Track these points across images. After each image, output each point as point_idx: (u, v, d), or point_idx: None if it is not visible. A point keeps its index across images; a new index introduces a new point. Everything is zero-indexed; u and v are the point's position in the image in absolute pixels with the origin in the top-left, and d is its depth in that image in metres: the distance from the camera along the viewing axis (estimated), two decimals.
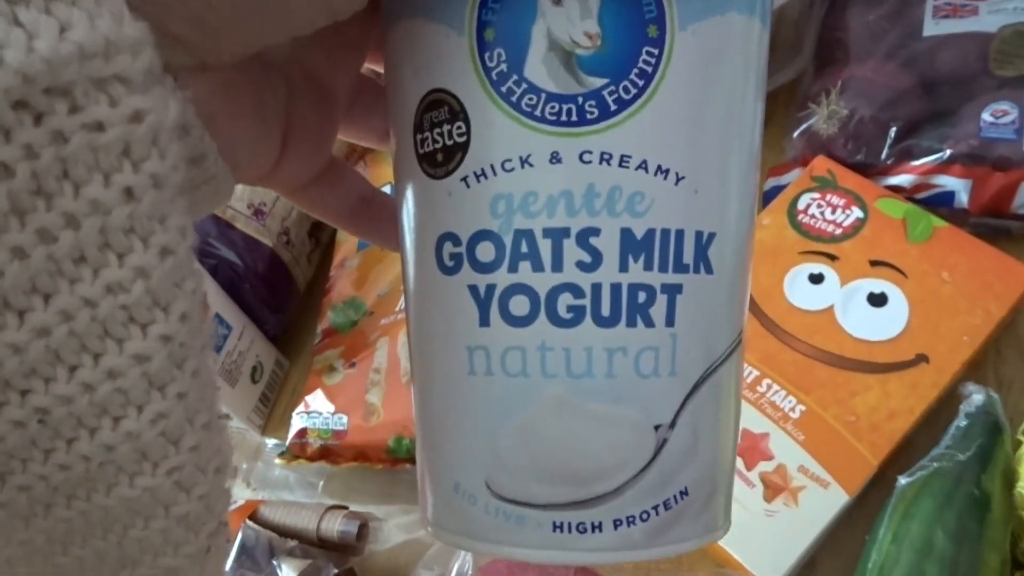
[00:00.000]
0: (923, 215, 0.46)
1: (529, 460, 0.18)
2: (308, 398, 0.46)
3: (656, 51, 0.16)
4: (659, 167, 0.17)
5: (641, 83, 0.16)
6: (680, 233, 0.17)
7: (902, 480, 0.38)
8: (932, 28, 0.50)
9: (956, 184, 0.46)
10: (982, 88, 0.47)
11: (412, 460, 0.44)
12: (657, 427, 0.18)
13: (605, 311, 0.17)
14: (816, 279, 0.45)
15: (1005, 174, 0.45)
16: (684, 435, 0.18)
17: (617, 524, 0.18)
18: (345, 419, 0.44)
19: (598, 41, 0.16)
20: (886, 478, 0.40)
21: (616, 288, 0.17)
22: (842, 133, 0.49)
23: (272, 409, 0.52)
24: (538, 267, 0.17)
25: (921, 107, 0.48)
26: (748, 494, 0.39)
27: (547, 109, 0.16)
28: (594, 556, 0.18)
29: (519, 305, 0.17)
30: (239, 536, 0.42)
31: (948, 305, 0.42)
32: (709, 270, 0.18)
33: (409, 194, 0.19)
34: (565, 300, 0.17)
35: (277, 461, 0.47)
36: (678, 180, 0.17)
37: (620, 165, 0.16)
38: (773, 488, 0.39)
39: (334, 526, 0.43)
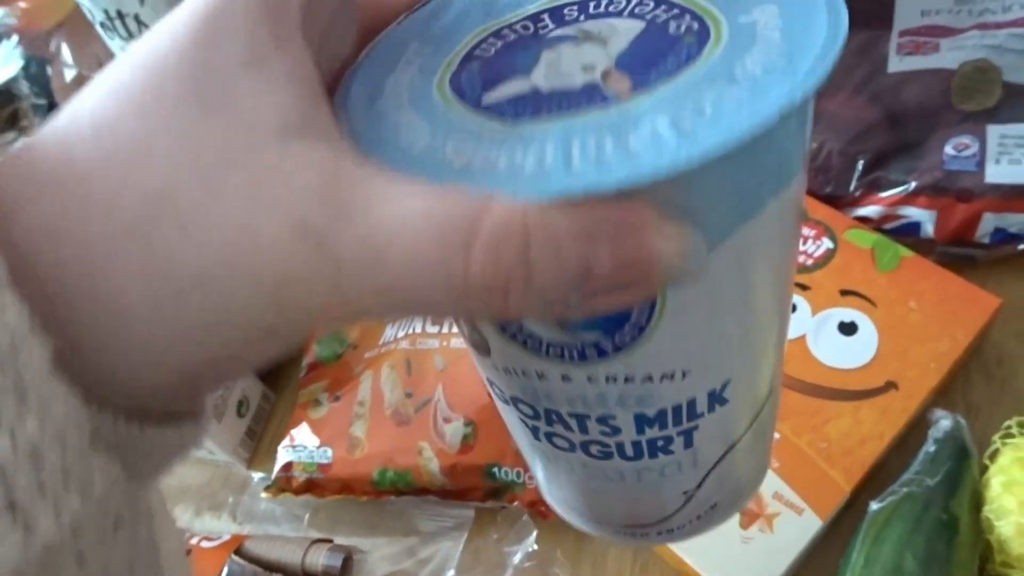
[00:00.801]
0: (890, 245, 0.47)
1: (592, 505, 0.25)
2: (294, 431, 0.47)
3: (648, 305, 0.17)
4: (663, 375, 0.19)
5: (636, 332, 0.17)
6: (692, 400, 0.20)
7: (873, 505, 0.39)
8: (897, 64, 0.51)
9: (922, 215, 0.48)
10: (945, 122, 0.49)
11: (396, 491, 0.45)
12: (685, 492, 0.23)
13: (629, 454, 0.21)
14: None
15: (968, 205, 0.47)
16: (709, 487, 0.23)
17: (660, 533, 0.25)
18: (330, 452, 0.45)
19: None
20: (859, 503, 0.41)
21: (637, 443, 0.21)
22: (812, 166, 0.50)
23: (258, 443, 0.53)
24: (569, 430, 0.21)
25: (887, 140, 0.50)
26: None
27: (550, 350, 0.18)
28: (644, 543, 0.30)
29: (559, 441, 0.22)
30: (225, 571, 0.43)
31: (916, 333, 0.44)
32: (725, 403, 0.20)
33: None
34: (595, 448, 0.21)
35: (263, 494, 0.48)
36: (685, 375, 0.19)
37: (625, 382, 0.19)
38: (749, 515, 0.40)
39: (319, 560, 0.43)
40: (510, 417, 0.23)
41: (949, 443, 0.40)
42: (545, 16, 0.19)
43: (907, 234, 0.49)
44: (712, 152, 0.14)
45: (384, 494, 0.45)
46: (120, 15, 0.59)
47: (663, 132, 0.15)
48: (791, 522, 0.39)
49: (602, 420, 0.20)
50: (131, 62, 0.14)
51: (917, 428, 0.42)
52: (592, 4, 0.19)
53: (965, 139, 0.48)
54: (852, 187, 0.50)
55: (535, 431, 0.22)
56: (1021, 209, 0.46)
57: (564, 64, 0.18)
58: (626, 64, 0.17)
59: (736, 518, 0.40)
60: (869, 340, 0.44)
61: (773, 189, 0.17)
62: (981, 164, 0.47)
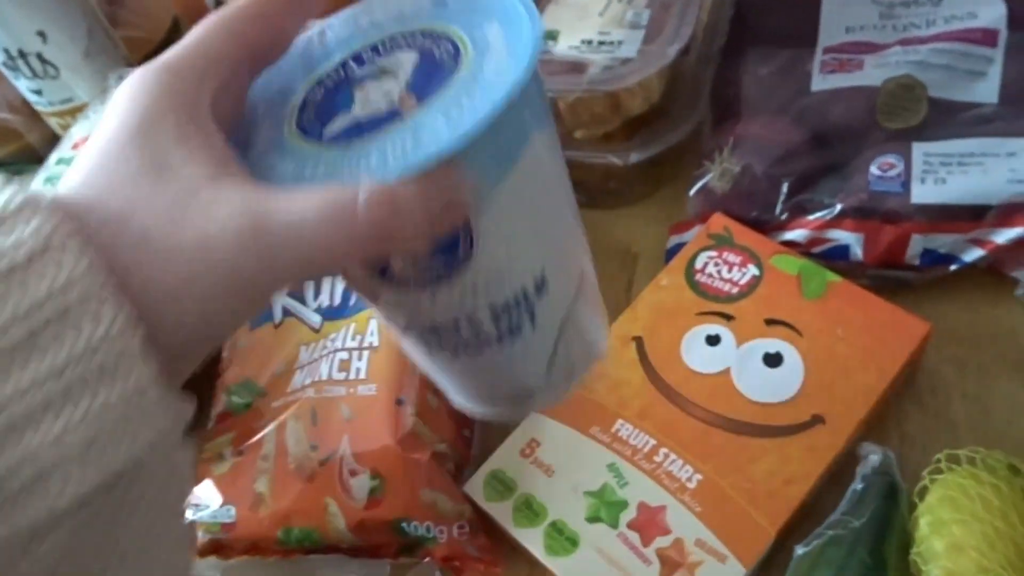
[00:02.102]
0: (817, 270, 0.45)
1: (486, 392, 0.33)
2: (196, 489, 0.44)
3: (467, 233, 0.26)
4: (496, 271, 0.27)
5: (468, 249, 0.26)
6: (524, 288, 0.28)
7: (799, 550, 0.37)
8: (820, 83, 0.50)
9: (849, 238, 0.46)
10: (871, 141, 0.47)
11: (303, 550, 0.42)
12: (548, 360, 0.31)
13: (493, 341, 0.29)
14: (713, 340, 0.44)
15: (895, 227, 0.45)
16: (562, 354, 0.31)
17: (543, 398, 0.32)
18: (233, 510, 0.42)
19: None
20: (788, 546, 0.38)
21: (498, 333, 0.29)
22: (736, 190, 0.49)
23: None
24: (448, 337, 0.29)
25: (812, 162, 0.48)
26: (644, 572, 0.38)
27: (417, 281, 0.27)
28: (533, 408, 0.38)
29: (446, 350, 0.30)
30: None
31: (842, 363, 0.42)
32: (547, 285, 0.29)
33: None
34: (470, 348, 0.29)
35: None
36: (511, 270, 0.28)
37: (473, 286, 0.27)
38: (670, 565, 0.38)
39: None
40: (408, 346, 0.31)
41: (878, 480, 0.38)
42: (350, 61, 0.28)
43: (836, 258, 0.47)
44: (469, 134, 0.22)
45: (292, 552, 0.43)
46: (22, 54, 0.57)
47: (440, 127, 0.23)
48: (714, 571, 0.37)
49: (469, 322, 0.28)
50: (99, 147, 0.22)
51: (847, 464, 0.40)
52: (380, 47, 0.28)
53: (890, 158, 0.46)
54: (778, 211, 0.48)
55: (427, 347, 0.30)
56: (949, 230, 0.44)
57: (372, 97, 0.26)
58: (414, 87, 0.26)
59: (656, 568, 0.38)
60: (795, 372, 0.42)
61: (519, 145, 0.25)
62: (907, 184, 0.45)
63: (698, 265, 0.47)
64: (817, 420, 0.40)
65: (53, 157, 0.55)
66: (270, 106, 0.28)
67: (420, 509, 0.40)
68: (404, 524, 0.40)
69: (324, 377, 0.44)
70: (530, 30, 0.26)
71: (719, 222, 0.48)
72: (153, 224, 0.21)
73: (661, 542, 0.38)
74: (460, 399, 0.33)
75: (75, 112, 0.61)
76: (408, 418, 0.42)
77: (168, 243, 0.21)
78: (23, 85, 0.60)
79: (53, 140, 0.61)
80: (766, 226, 0.48)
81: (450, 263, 0.26)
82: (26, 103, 0.63)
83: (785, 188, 0.47)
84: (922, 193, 0.44)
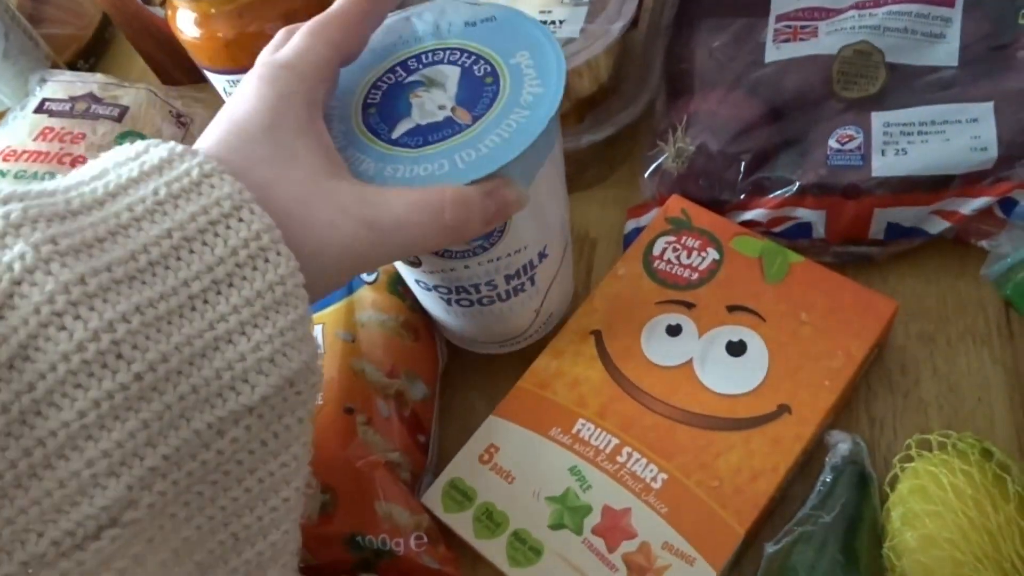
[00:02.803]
0: (779, 251, 0.43)
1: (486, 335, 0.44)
2: None
3: (503, 223, 0.35)
4: (515, 251, 0.37)
5: (498, 234, 0.36)
6: (531, 260, 0.39)
7: (768, 548, 0.35)
8: (774, 53, 0.48)
9: (811, 215, 0.44)
10: (828, 113, 0.45)
11: None
12: (535, 311, 0.42)
13: (504, 298, 0.40)
14: (674, 331, 0.42)
15: (856, 202, 0.43)
16: (546, 306, 0.43)
17: (527, 339, 0.44)
18: None
19: None
20: (759, 543, 0.37)
21: (507, 291, 0.39)
22: (692, 170, 0.47)
23: None
24: (469, 294, 0.39)
25: (770, 137, 0.46)
26: None
27: (457, 253, 0.36)
28: (518, 347, 0.45)
29: (464, 303, 0.40)
30: None
31: (808, 349, 0.40)
32: (546, 257, 0.39)
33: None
34: (485, 300, 0.40)
35: None
36: (525, 248, 0.38)
37: (498, 260, 0.37)
38: (637, 570, 0.36)
39: None
40: (429, 299, 0.41)
41: (848, 470, 0.37)
42: (397, 67, 0.36)
43: (799, 236, 0.45)
44: (524, 147, 0.31)
45: None
46: None
47: (496, 142, 0.32)
48: (683, 574, 0.36)
49: (488, 284, 0.38)
50: (231, 131, 0.28)
51: (817, 453, 0.39)
52: (423, 56, 0.36)
53: (849, 130, 0.44)
54: (736, 190, 0.46)
55: (448, 301, 0.40)
56: (912, 203, 0.43)
57: (427, 106, 0.34)
58: (462, 101, 0.33)
59: (623, 574, 0.36)
60: (759, 360, 0.40)
61: (545, 155, 0.35)
62: (866, 157, 0.43)
63: (656, 251, 0.45)
64: (783, 410, 0.39)
65: None
66: (332, 103, 0.35)
67: (374, 522, 0.38)
68: (359, 539, 0.39)
69: None
70: (555, 60, 0.34)
71: (676, 204, 0.47)
72: (289, 200, 0.26)
73: (627, 547, 0.37)
74: (462, 340, 0.45)
75: None
76: (359, 427, 0.40)
77: (304, 219, 0.27)
78: None
79: None
80: (725, 206, 0.47)
81: (485, 243, 0.36)
82: None
83: (743, 166, 0.46)
84: (883, 166, 0.43)
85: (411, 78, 0.35)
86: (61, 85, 0.53)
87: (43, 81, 0.55)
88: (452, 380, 0.47)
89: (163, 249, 0.23)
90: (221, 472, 0.24)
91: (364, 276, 0.44)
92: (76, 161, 0.49)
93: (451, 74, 0.34)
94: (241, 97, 0.29)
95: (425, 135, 0.33)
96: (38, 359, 0.21)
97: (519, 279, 0.39)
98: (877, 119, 0.44)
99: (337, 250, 0.27)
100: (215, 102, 0.55)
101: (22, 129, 0.51)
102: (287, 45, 0.31)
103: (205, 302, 0.23)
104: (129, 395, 0.22)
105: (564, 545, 0.37)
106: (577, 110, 0.50)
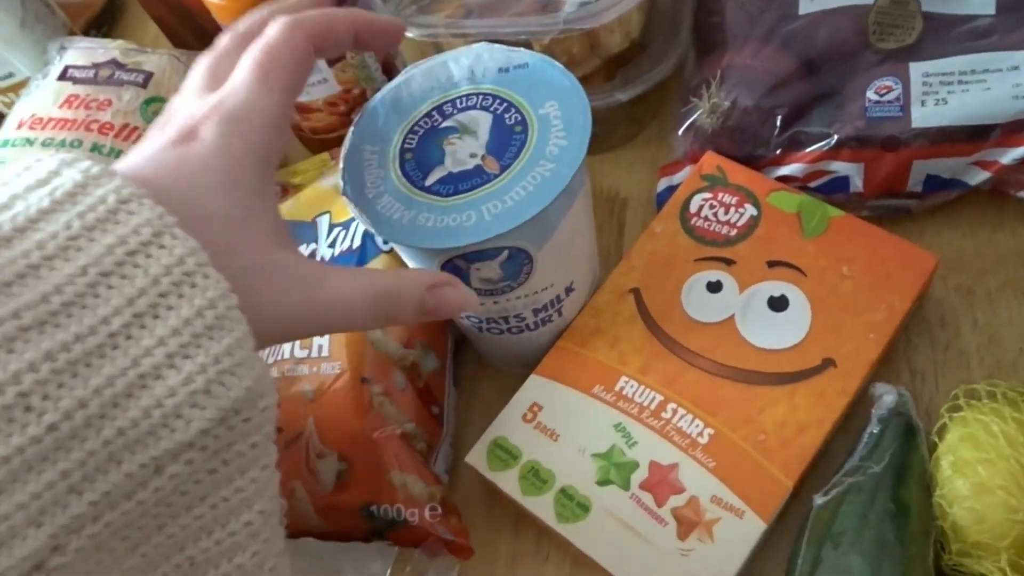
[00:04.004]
0: (818, 206, 0.43)
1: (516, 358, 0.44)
2: None
3: (529, 265, 0.37)
4: (542, 288, 0.39)
5: (525, 275, 0.37)
6: (558, 295, 0.40)
7: (817, 500, 0.36)
8: (808, 5, 0.47)
9: (848, 169, 0.44)
10: (864, 64, 0.45)
11: None
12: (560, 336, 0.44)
13: (532, 328, 0.41)
14: (714, 287, 0.42)
15: (895, 154, 0.43)
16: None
17: None
18: None
19: (501, 274, 0.36)
20: (804, 495, 0.37)
21: (535, 322, 0.41)
22: (726, 126, 0.46)
23: None
24: (499, 324, 0.41)
25: (805, 91, 0.46)
26: (661, 533, 0.36)
27: (488, 293, 0.38)
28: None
29: (494, 330, 0.42)
30: None
31: (850, 302, 0.40)
32: (573, 291, 0.41)
33: None
34: (514, 329, 0.41)
35: None
36: (552, 286, 0.39)
37: (526, 296, 0.39)
38: (686, 524, 0.36)
39: None
40: (465, 327, 0.43)
41: (894, 421, 0.37)
42: (434, 112, 0.37)
43: (835, 191, 0.45)
44: (547, 202, 0.33)
45: None
46: None
47: (521, 195, 0.34)
48: (732, 527, 0.36)
49: (517, 316, 0.40)
50: (183, 170, 0.26)
51: (860, 407, 0.39)
52: (457, 101, 0.37)
53: (887, 81, 0.44)
54: (771, 145, 0.45)
55: (479, 329, 0.42)
56: (952, 153, 0.42)
57: (459, 154, 0.36)
58: (492, 150, 0.36)
59: (673, 528, 0.36)
60: (802, 315, 0.40)
61: (570, 202, 0.36)
62: (905, 108, 0.43)
63: (692, 209, 0.45)
64: (828, 364, 0.39)
65: None
66: (373, 147, 0.37)
67: (389, 492, 0.39)
68: (374, 508, 0.39)
69: (287, 356, 0.42)
70: (582, 112, 0.35)
71: (711, 161, 0.46)
72: (242, 268, 0.25)
73: (676, 501, 0.37)
74: (492, 358, 0.47)
75: (17, 88, 0.57)
76: (375, 397, 0.40)
77: (252, 289, 0.25)
78: None
79: None
80: (760, 162, 0.46)
81: (512, 284, 0.37)
82: None
83: (778, 121, 0.45)
84: (923, 116, 0.42)
85: (446, 123, 0.37)
86: (82, 52, 0.52)
87: (63, 48, 0.54)
88: (462, 354, 0.48)
89: (77, 288, 0.21)
90: (164, 505, 0.23)
91: (380, 244, 0.44)
92: (103, 128, 0.48)
93: (483, 121, 0.36)
94: (192, 136, 0.27)
95: (456, 183, 0.35)
96: None
97: (547, 312, 0.41)
98: (916, 69, 0.43)
99: (276, 323, 0.26)
100: None
101: (46, 97, 0.50)
102: (237, 85, 0.28)
103: (128, 338, 0.22)
104: (43, 447, 0.20)
105: (612, 501, 0.37)
106: (607, 67, 0.49)
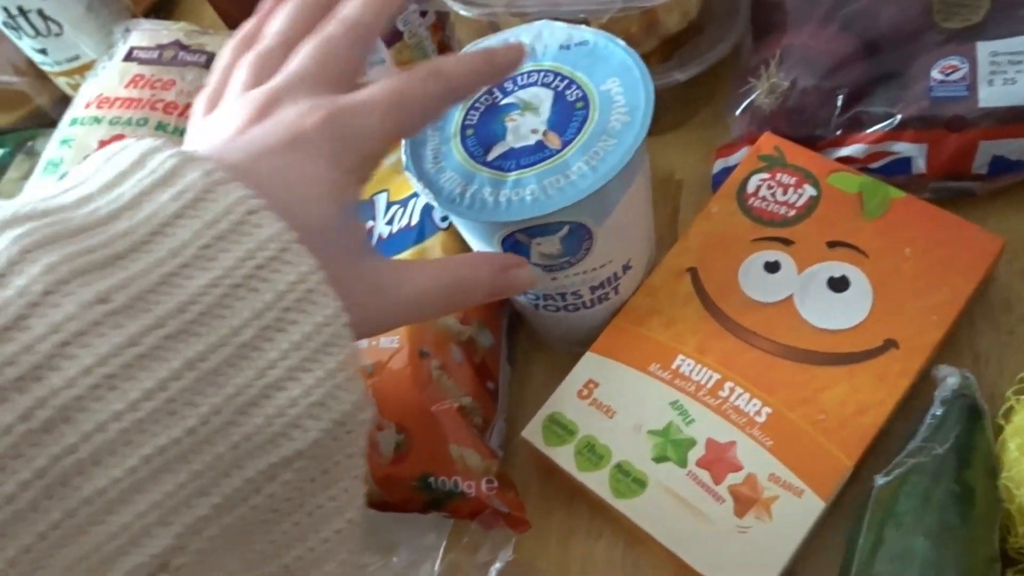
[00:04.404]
0: (879, 187, 0.43)
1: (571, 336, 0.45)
2: None
3: (589, 241, 0.37)
4: (600, 265, 0.39)
5: (584, 251, 0.37)
6: (615, 273, 0.41)
7: (879, 480, 0.35)
8: None
9: (911, 150, 0.43)
10: (928, 44, 0.44)
11: None
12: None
13: (588, 306, 0.42)
14: (772, 267, 0.42)
15: (960, 134, 0.42)
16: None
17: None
18: None
19: (561, 249, 0.37)
20: (863, 477, 0.37)
21: (592, 299, 0.41)
22: (785, 107, 0.46)
23: None
24: (556, 301, 0.41)
25: (866, 71, 0.45)
26: (718, 510, 0.36)
27: (547, 268, 0.38)
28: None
29: (551, 308, 0.42)
30: None
31: (913, 283, 0.40)
32: (630, 269, 0.41)
33: None
34: (570, 307, 0.41)
35: None
36: (610, 262, 0.40)
37: (584, 273, 0.39)
38: (744, 501, 0.36)
39: None
40: (518, 300, 0.43)
41: (958, 403, 0.36)
42: (495, 89, 0.38)
43: (897, 172, 0.44)
44: (608, 177, 0.34)
45: None
46: (23, 11, 0.55)
47: (583, 169, 0.34)
48: (790, 505, 0.36)
49: (574, 294, 0.40)
50: (285, 183, 0.27)
51: (922, 389, 0.38)
52: (518, 79, 0.38)
53: (952, 61, 0.43)
54: (832, 126, 0.45)
55: (536, 307, 0.42)
56: (1020, 134, 0.42)
57: (521, 130, 0.36)
58: (553, 126, 0.36)
59: (730, 506, 0.36)
60: (863, 296, 0.40)
61: (631, 179, 0.36)
62: (972, 87, 0.42)
63: (750, 189, 0.45)
64: (890, 344, 0.38)
65: (66, 118, 0.53)
66: (435, 124, 0.37)
67: (447, 464, 0.39)
68: (431, 479, 0.39)
69: None
70: (644, 89, 0.35)
71: (769, 142, 0.46)
72: (342, 273, 0.26)
73: (733, 479, 0.37)
74: (548, 339, 0.47)
75: (83, 70, 0.58)
76: (433, 371, 0.41)
77: (348, 290, 0.25)
78: (27, 45, 0.57)
79: (63, 101, 0.59)
80: (819, 143, 0.46)
81: (571, 260, 0.38)
82: (32, 64, 0.60)
83: (839, 101, 0.45)
84: (990, 96, 0.41)
85: (506, 100, 0.37)
86: (146, 34, 0.54)
87: (127, 31, 0.55)
88: (516, 333, 0.48)
89: (211, 299, 0.22)
90: (271, 511, 0.24)
91: (437, 222, 0.44)
92: (168, 108, 0.50)
93: (545, 98, 0.36)
94: (305, 142, 0.27)
95: (517, 158, 0.35)
96: (82, 420, 0.20)
97: (603, 289, 0.41)
98: (983, 49, 0.43)
99: (360, 327, 0.26)
100: None
101: (112, 77, 0.51)
102: (363, 101, 0.29)
103: (255, 349, 0.23)
104: (181, 449, 0.21)
105: (669, 477, 0.38)
106: (664, 48, 0.49)
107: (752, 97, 0.47)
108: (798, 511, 0.36)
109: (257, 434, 0.23)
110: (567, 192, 0.34)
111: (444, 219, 0.44)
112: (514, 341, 0.48)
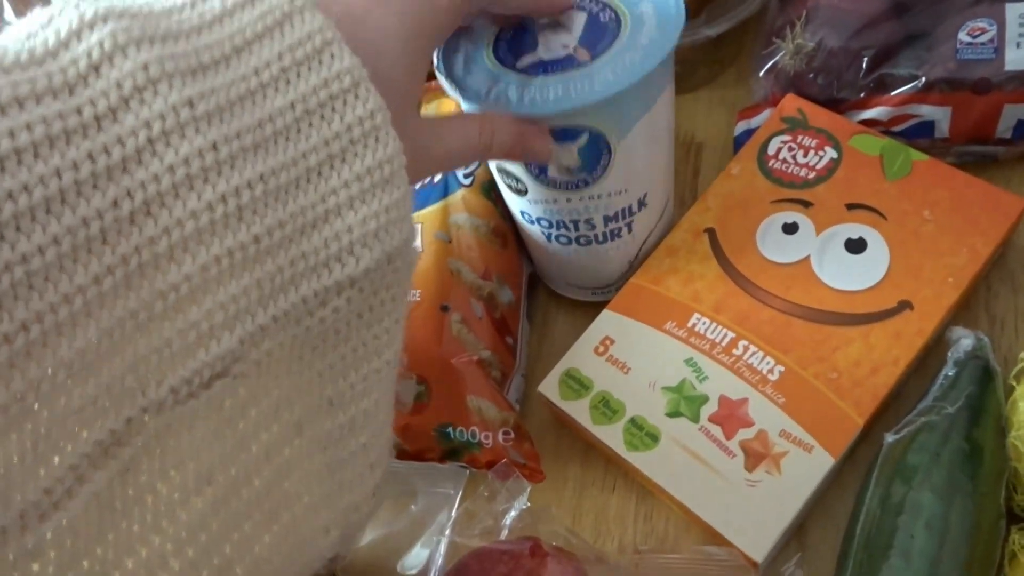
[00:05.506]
0: (901, 149, 0.43)
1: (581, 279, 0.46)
2: None
3: (607, 157, 0.38)
4: (615, 191, 0.40)
5: (601, 171, 0.38)
6: (630, 205, 0.41)
7: (888, 437, 0.36)
8: None
9: (935, 112, 0.43)
10: (957, 5, 0.44)
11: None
12: (630, 261, 0.44)
13: (600, 240, 0.42)
14: (790, 229, 0.42)
15: (986, 97, 0.42)
16: (641, 257, 0.44)
17: (617, 289, 0.44)
18: None
19: (579, 161, 0.38)
20: (873, 435, 0.38)
21: (604, 233, 0.42)
22: (810, 68, 0.46)
23: None
24: (568, 231, 0.42)
25: (893, 32, 0.45)
26: (728, 464, 0.37)
27: (561, 184, 0.39)
28: (608, 297, 0.44)
29: (563, 239, 0.42)
30: None
31: (930, 246, 0.40)
32: (645, 206, 0.42)
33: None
34: (583, 240, 0.42)
35: None
36: (626, 191, 0.40)
37: (598, 198, 0.40)
38: (754, 456, 0.37)
39: None
40: (532, 232, 0.43)
41: (971, 364, 0.37)
42: None
43: (920, 135, 0.44)
44: (631, 82, 0.34)
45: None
46: None
47: (609, 77, 0.35)
48: (800, 461, 0.37)
49: (587, 222, 0.41)
50: (359, 28, 0.27)
51: (935, 350, 0.39)
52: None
53: (981, 23, 0.43)
54: (857, 87, 0.45)
55: (548, 236, 0.42)
56: None
57: (552, 44, 0.37)
58: (585, 42, 0.36)
59: (741, 460, 0.37)
60: (879, 257, 0.40)
61: (655, 96, 0.37)
62: (999, 50, 0.42)
63: (771, 151, 0.45)
64: (905, 306, 0.39)
65: None
66: (469, 34, 0.38)
67: (465, 415, 0.40)
68: (450, 430, 0.40)
69: None
70: (676, 10, 0.36)
71: (792, 104, 0.46)
72: (398, 126, 0.26)
73: (744, 434, 0.38)
74: (557, 283, 0.47)
75: None
76: (453, 325, 0.41)
77: (415, 135, 0.29)
78: None
79: None
80: (842, 105, 0.46)
81: (588, 178, 0.38)
82: None
83: (865, 62, 0.44)
84: (1017, 58, 0.41)
85: (542, 20, 0.38)
86: None
87: None
88: (535, 290, 0.49)
89: (287, 120, 0.24)
90: (320, 339, 0.25)
91: (460, 178, 0.45)
92: None
93: (578, 19, 0.37)
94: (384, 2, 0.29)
95: (546, 67, 0.36)
96: (162, 215, 0.21)
97: (616, 223, 0.41)
98: (1012, 10, 0.42)
99: (411, 172, 0.28)
100: None
101: None
102: None
103: (319, 175, 0.24)
104: (247, 255, 0.23)
105: (681, 432, 0.38)
106: (693, 4, 0.48)
107: (777, 58, 0.47)
108: (807, 467, 0.36)
109: (314, 254, 0.24)
110: (589, 93, 0.34)
111: (467, 175, 0.44)
112: (533, 299, 0.49)
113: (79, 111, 0.21)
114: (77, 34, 0.21)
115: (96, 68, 0.21)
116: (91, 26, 0.22)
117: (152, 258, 0.21)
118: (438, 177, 0.45)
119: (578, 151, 0.37)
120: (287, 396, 0.25)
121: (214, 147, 0.22)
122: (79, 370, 0.20)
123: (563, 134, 0.36)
